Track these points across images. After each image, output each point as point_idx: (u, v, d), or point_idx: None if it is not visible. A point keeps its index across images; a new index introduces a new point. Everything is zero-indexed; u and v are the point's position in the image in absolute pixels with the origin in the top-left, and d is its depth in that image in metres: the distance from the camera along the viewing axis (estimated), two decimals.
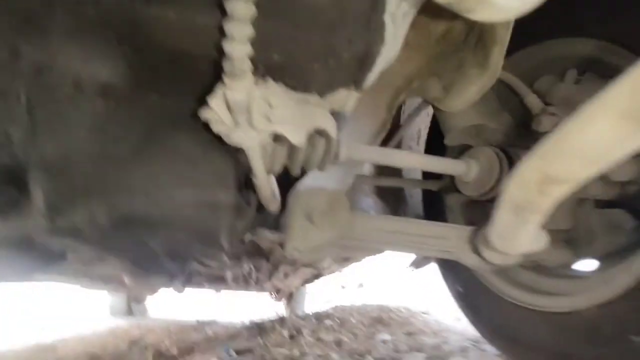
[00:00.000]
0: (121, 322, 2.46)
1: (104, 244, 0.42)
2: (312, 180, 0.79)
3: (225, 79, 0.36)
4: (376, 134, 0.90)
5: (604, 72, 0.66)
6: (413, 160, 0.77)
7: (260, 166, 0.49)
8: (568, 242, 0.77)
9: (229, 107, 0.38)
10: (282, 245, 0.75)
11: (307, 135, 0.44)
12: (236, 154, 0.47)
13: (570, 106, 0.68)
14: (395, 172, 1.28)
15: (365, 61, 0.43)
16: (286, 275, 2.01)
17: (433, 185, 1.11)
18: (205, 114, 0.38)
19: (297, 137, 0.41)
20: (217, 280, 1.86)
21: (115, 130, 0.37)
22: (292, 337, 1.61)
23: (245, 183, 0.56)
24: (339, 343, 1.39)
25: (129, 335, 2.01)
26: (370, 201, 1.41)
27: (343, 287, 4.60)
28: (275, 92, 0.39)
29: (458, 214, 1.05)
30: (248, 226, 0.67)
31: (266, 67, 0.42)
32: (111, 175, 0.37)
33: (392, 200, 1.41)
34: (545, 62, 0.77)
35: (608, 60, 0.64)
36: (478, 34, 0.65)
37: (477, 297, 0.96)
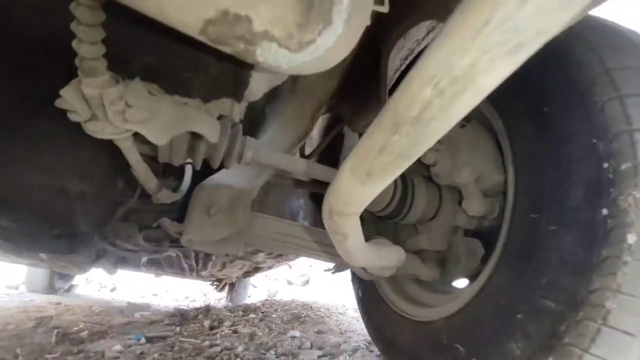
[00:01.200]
0: (38, 299, 2.30)
1: None
2: (222, 176, 0.82)
3: (79, 74, 0.38)
4: (298, 139, 0.95)
5: (484, 122, 0.76)
6: (317, 170, 0.83)
7: (135, 158, 0.51)
8: (440, 262, 0.88)
9: (85, 100, 0.40)
10: (180, 234, 0.77)
11: (174, 136, 0.47)
12: (113, 144, 0.49)
13: (453, 146, 0.78)
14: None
15: (237, 79, 0.47)
16: (223, 266, 2.01)
17: None
18: (59, 103, 0.39)
19: (158, 138, 0.44)
20: (153, 265, 1.81)
21: None
22: (212, 328, 1.63)
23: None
24: (252, 337, 1.43)
25: (41, 313, 1.89)
26: (301, 202, 1.47)
27: (290, 282, 4.66)
28: (136, 92, 0.42)
29: (371, 226, 1.14)
30: (147, 208, 0.67)
31: (140, 66, 0.44)
32: None
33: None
34: None
35: (485, 113, 0.74)
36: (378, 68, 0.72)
37: (371, 301, 1.06)
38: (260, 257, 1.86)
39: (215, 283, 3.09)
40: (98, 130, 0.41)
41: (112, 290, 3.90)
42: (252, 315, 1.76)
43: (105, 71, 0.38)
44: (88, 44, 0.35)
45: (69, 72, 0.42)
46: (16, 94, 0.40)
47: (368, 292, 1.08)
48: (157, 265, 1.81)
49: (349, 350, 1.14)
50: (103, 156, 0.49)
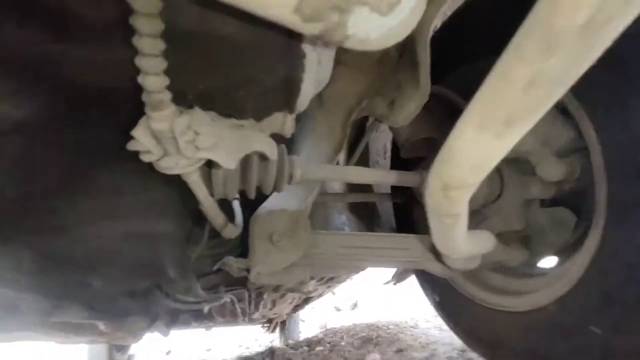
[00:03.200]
0: None
1: (39, 289, 0.40)
2: (273, 202, 0.80)
3: (147, 111, 0.37)
4: (334, 152, 0.93)
5: None
6: (367, 175, 0.79)
7: (203, 192, 0.49)
8: (524, 242, 0.79)
9: (155, 137, 0.39)
10: (247, 270, 0.73)
11: (241, 158, 0.45)
12: (181, 183, 0.48)
13: None
14: (365, 187, 1.30)
15: (290, 87, 0.46)
16: (274, 303, 1.94)
17: (399, 198, 1.14)
18: (132, 145, 0.39)
19: (228, 162, 0.42)
20: (205, 318, 1.77)
21: (34, 168, 0.36)
22: None
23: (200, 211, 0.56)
24: None
25: None
26: (343, 217, 1.42)
27: (338, 309, 4.47)
28: (201, 120, 0.41)
29: (425, 223, 1.07)
30: (203, 253, 0.66)
31: (195, 96, 0.44)
32: (33, 215, 0.36)
33: (365, 215, 1.42)
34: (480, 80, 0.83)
35: None
36: (409, 55, 0.70)
37: (453, 304, 0.96)
38: (311, 285, 1.79)
39: (265, 325, 2.99)
40: (172, 165, 0.40)
41: (168, 353, 3.85)
42: (319, 348, 1.66)
43: (170, 103, 0.38)
44: (154, 76, 0.35)
45: (119, 120, 0.41)
46: (84, 144, 0.40)
47: (446, 295, 0.99)
48: (207, 317, 1.77)
49: None
50: (172, 196, 0.48)
